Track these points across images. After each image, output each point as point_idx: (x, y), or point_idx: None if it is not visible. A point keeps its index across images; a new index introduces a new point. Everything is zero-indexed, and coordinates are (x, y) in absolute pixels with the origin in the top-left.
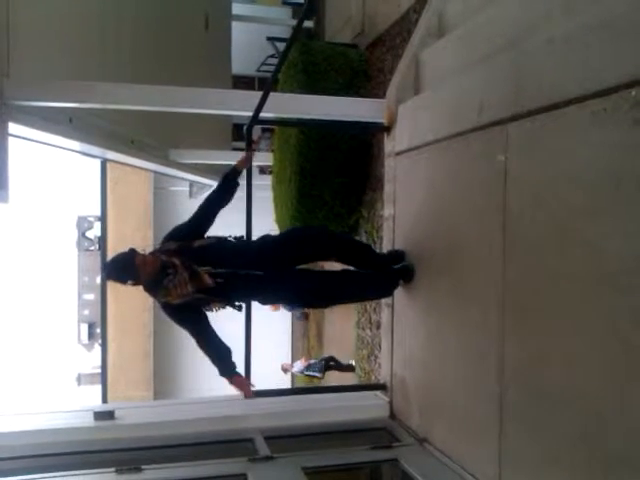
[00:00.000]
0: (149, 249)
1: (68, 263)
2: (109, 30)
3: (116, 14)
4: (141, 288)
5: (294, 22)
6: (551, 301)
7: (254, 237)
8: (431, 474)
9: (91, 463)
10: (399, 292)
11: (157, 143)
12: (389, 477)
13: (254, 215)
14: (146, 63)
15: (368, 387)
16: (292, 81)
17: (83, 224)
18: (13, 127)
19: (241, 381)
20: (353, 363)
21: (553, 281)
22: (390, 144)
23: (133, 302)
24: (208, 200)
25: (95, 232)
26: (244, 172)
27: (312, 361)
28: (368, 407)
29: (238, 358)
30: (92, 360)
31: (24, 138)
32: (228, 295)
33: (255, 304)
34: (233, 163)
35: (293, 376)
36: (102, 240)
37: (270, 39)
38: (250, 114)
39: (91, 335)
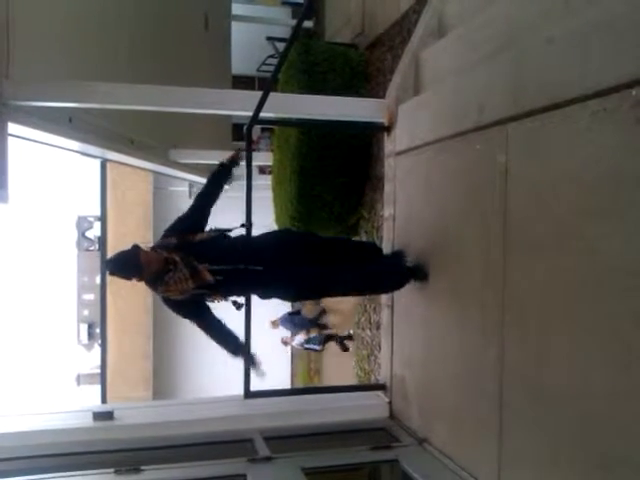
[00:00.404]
0: (150, 244)
1: (68, 263)
2: (109, 30)
3: (116, 14)
4: (142, 284)
5: (294, 22)
6: (551, 301)
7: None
8: (431, 474)
9: (90, 464)
10: (399, 293)
11: (157, 143)
12: (389, 478)
13: (253, 215)
14: (146, 63)
15: (368, 387)
16: (292, 81)
17: (83, 224)
18: (13, 127)
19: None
20: (352, 332)
21: (553, 281)
22: (390, 144)
23: (133, 302)
24: (199, 196)
25: (95, 232)
26: (244, 173)
27: (312, 335)
28: (368, 407)
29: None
30: (91, 360)
31: (24, 138)
32: (228, 290)
33: (254, 304)
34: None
35: (293, 376)
36: (102, 240)
37: (270, 39)
38: (250, 114)
39: (90, 335)
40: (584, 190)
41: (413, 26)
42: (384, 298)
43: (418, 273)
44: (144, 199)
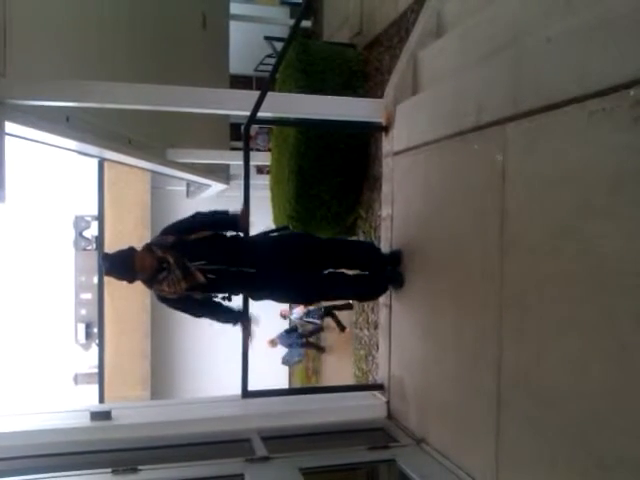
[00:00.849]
0: (146, 240)
1: (65, 262)
2: (106, 29)
3: (113, 13)
4: (139, 284)
5: (292, 22)
6: (549, 301)
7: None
8: (428, 475)
9: (87, 463)
10: (397, 293)
11: (154, 142)
12: (386, 478)
13: (252, 214)
14: (143, 62)
15: (366, 387)
16: (290, 81)
17: (80, 224)
18: (10, 126)
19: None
20: (351, 301)
21: (551, 281)
22: (388, 144)
23: (130, 302)
24: (207, 214)
25: (92, 232)
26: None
27: (311, 308)
28: (365, 407)
29: (236, 356)
30: (89, 360)
31: (21, 137)
32: (220, 289)
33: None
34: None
35: (290, 376)
36: (99, 240)
37: (268, 39)
38: (248, 114)
39: (88, 335)
40: (583, 190)
41: (411, 26)
42: (382, 298)
43: (395, 281)
44: (141, 198)
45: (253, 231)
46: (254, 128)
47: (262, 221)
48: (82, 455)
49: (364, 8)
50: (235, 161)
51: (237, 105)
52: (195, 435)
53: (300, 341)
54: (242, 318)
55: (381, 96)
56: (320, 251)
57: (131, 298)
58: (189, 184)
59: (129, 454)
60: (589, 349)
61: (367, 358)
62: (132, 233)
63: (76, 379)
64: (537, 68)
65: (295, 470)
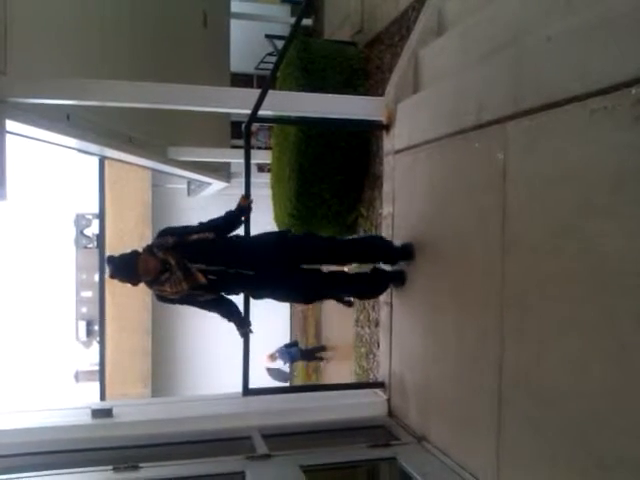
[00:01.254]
0: (149, 241)
1: (66, 260)
2: (107, 27)
3: (114, 12)
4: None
5: (293, 20)
6: (550, 300)
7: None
8: (429, 472)
9: (89, 461)
10: (398, 290)
11: (155, 141)
12: (387, 475)
13: (253, 212)
14: (144, 60)
15: (366, 385)
16: (291, 79)
17: (81, 222)
18: (10, 124)
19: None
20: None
21: (552, 280)
22: (389, 142)
23: (131, 299)
24: (210, 222)
25: (93, 230)
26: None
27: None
28: (366, 405)
29: (236, 354)
30: (90, 357)
31: (21, 135)
32: (221, 290)
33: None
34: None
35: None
36: (100, 238)
37: (269, 37)
38: (248, 112)
39: (89, 332)
40: (584, 189)
41: (412, 24)
42: (383, 296)
43: (397, 280)
44: (142, 196)
45: (254, 231)
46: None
47: (263, 219)
48: (83, 452)
49: (365, 6)
50: (236, 159)
51: (238, 103)
52: (196, 432)
53: (299, 356)
54: (242, 322)
55: (382, 94)
56: (328, 253)
57: (132, 296)
58: (190, 182)
59: (130, 451)
60: (589, 349)
61: (368, 356)
62: (133, 231)
63: (77, 377)
64: (538, 67)
65: (296, 468)
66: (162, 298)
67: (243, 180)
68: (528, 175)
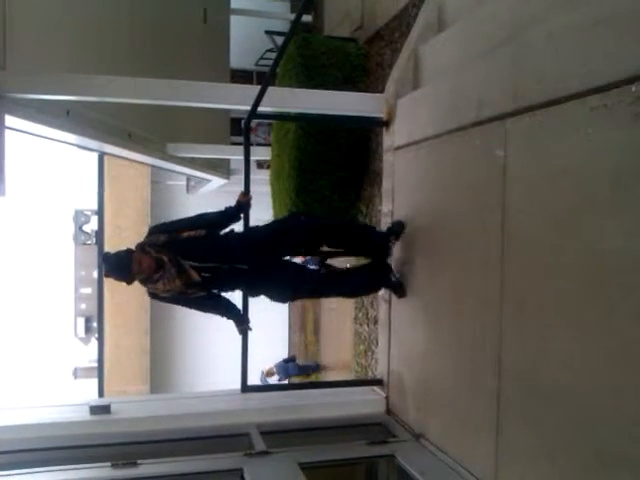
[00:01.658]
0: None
1: (65, 257)
2: (107, 22)
3: (114, 7)
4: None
5: (293, 16)
6: (549, 298)
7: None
8: (427, 470)
9: (87, 457)
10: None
11: (155, 137)
12: (385, 473)
13: (252, 209)
14: (144, 56)
15: (365, 382)
16: (290, 75)
17: (80, 218)
18: (10, 119)
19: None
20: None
21: (551, 278)
22: (389, 139)
23: (130, 296)
24: (202, 215)
25: (92, 226)
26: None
27: (307, 258)
28: (365, 402)
29: (235, 353)
30: (88, 354)
31: (21, 131)
32: (215, 287)
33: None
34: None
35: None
36: (99, 234)
37: (268, 33)
38: (248, 108)
39: (88, 329)
40: (583, 186)
41: (412, 20)
42: (382, 293)
43: (396, 290)
44: (141, 193)
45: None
46: (254, 121)
47: (262, 216)
48: (81, 449)
49: (365, 2)
50: (235, 156)
51: (237, 100)
52: (194, 429)
53: (297, 371)
54: (240, 319)
55: (382, 91)
56: (321, 234)
57: (131, 292)
58: (189, 179)
59: (128, 448)
60: (589, 346)
61: (366, 353)
62: (132, 227)
63: (75, 373)
64: (538, 63)
65: (294, 465)
66: (155, 296)
67: (242, 177)
68: (528, 172)
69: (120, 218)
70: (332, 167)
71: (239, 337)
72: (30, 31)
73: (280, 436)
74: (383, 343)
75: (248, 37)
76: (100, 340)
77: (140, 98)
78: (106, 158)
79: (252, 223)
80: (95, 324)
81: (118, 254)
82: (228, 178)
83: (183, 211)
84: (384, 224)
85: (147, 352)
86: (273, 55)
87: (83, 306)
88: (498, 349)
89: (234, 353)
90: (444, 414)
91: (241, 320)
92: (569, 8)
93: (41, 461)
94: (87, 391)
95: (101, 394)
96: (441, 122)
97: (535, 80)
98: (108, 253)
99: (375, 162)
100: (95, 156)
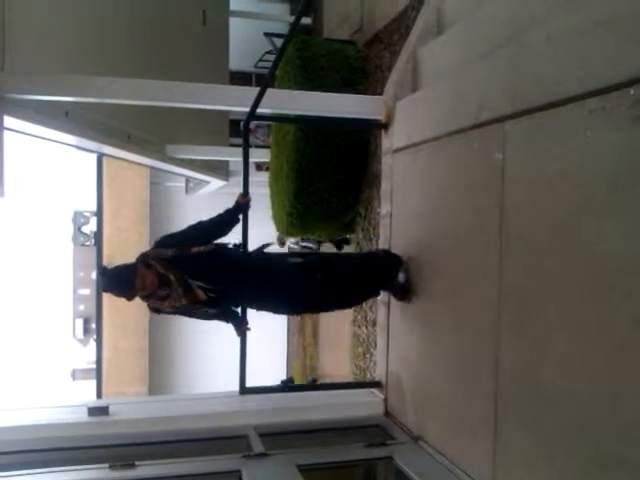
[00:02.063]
0: (144, 247)
1: (63, 258)
2: (106, 24)
3: (113, 8)
4: None
5: (292, 18)
6: (548, 300)
7: (252, 242)
8: (425, 472)
9: (85, 459)
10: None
11: (154, 138)
12: (383, 475)
13: (251, 211)
14: (143, 57)
15: (363, 384)
16: (289, 77)
17: (79, 219)
18: (8, 120)
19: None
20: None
21: (550, 280)
22: (388, 141)
23: None
24: (203, 222)
25: (91, 227)
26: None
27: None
28: (363, 404)
29: (234, 353)
30: (87, 355)
31: (20, 132)
32: (220, 305)
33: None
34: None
35: (288, 373)
36: (98, 235)
37: (268, 35)
38: (247, 110)
39: (86, 330)
40: (582, 189)
41: (411, 23)
42: (381, 296)
43: (404, 294)
44: (140, 194)
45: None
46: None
47: (261, 218)
48: (79, 450)
49: (364, 5)
50: (234, 157)
51: (237, 101)
52: (192, 431)
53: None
54: (239, 321)
55: (381, 93)
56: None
57: None
58: (188, 180)
59: (126, 449)
60: (587, 348)
61: (365, 355)
62: (131, 228)
63: (74, 374)
64: (537, 66)
65: (292, 467)
66: (157, 311)
67: (241, 178)
68: (526, 175)
69: (119, 219)
70: (331, 169)
71: (237, 339)
72: (29, 32)
73: (278, 438)
74: (381, 345)
75: (247, 39)
76: (98, 341)
77: (139, 99)
78: (105, 159)
79: (252, 223)
80: (94, 325)
81: (119, 268)
82: (227, 180)
83: (182, 212)
84: (383, 226)
85: (146, 353)
86: (272, 57)
87: (82, 307)
88: (496, 351)
89: (232, 355)
90: (442, 416)
91: (240, 322)
92: (569, 10)
93: (39, 462)
94: (85, 392)
95: (99, 395)
96: (440, 124)
97: (534, 82)
98: (106, 268)
99: (374, 164)
100: (94, 157)
